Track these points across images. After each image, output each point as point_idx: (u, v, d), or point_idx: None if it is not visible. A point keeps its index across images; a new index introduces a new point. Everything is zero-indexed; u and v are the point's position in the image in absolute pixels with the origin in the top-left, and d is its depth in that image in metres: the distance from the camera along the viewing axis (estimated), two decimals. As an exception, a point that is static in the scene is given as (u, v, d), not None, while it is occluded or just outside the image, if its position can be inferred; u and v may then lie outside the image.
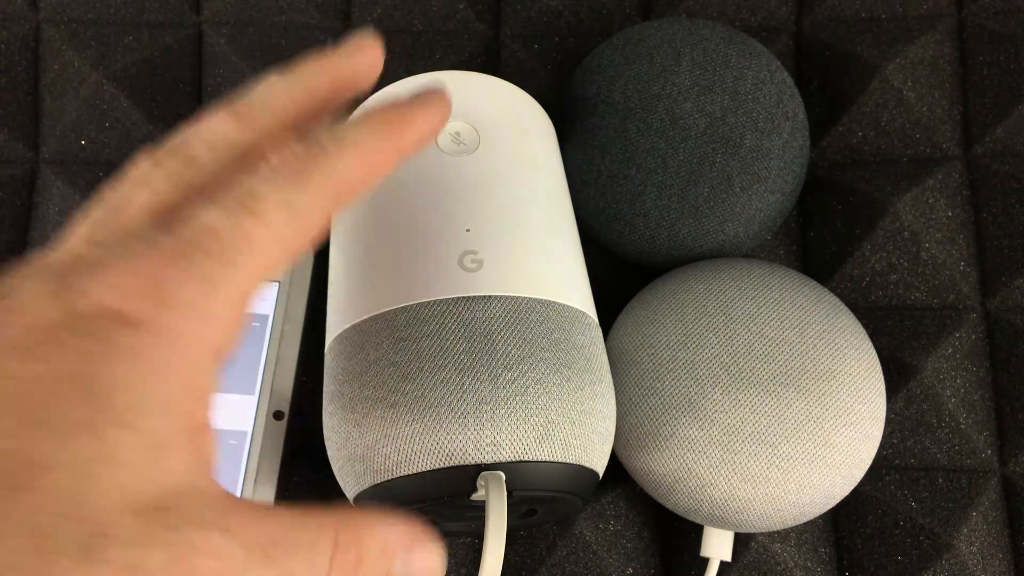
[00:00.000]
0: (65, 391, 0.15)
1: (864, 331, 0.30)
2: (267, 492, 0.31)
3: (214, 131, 0.19)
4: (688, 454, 0.28)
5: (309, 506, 0.17)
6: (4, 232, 0.37)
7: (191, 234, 0.17)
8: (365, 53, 0.21)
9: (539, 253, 0.27)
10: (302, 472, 0.33)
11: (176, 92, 0.38)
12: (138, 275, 0.16)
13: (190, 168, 0.18)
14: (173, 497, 0.15)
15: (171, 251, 0.16)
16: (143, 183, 0.18)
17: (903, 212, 0.35)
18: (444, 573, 0.19)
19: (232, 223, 0.17)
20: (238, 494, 0.31)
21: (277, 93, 0.20)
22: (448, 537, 0.33)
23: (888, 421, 0.34)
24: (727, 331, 0.29)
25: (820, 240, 0.36)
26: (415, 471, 0.24)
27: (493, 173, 0.28)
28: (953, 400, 0.34)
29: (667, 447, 0.29)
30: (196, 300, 0.16)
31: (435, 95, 0.21)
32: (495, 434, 0.23)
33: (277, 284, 0.34)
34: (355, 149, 0.19)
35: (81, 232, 0.17)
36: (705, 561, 0.31)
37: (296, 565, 0.16)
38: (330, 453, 0.27)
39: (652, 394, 0.29)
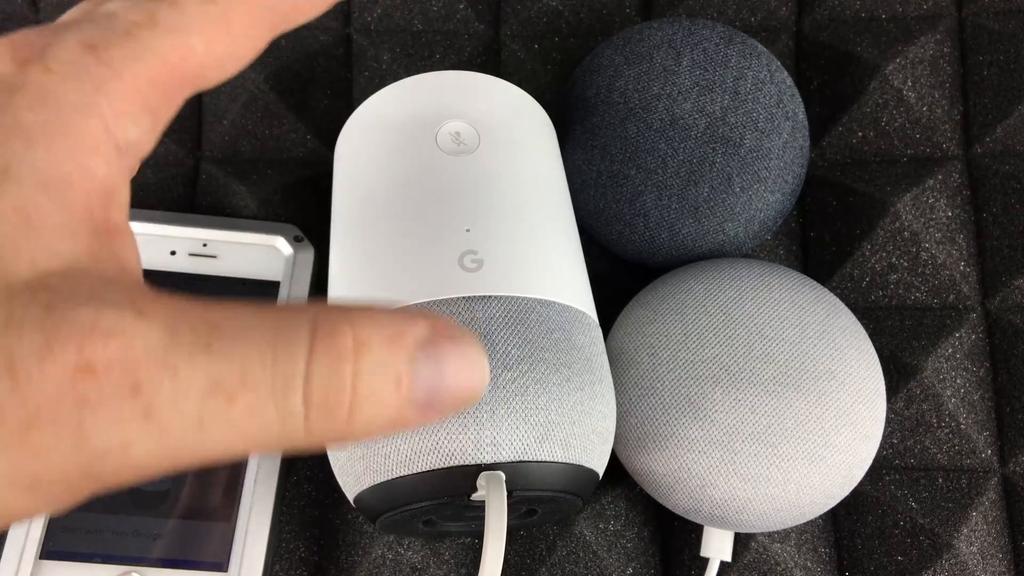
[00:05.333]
0: None
1: (864, 331, 0.30)
2: (267, 492, 0.31)
3: None
4: (688, 454, 0.28)
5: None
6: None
7: (84, 15, 0.15)
8: None
9: (539, 253, 0.27)
10: (302, 472, 0.33)
11: (176, 92, 0.38)
12: (9, 43, 0.14)
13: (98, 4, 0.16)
14: (56, 277, 0.12)
15: (57, 26, 0.14)
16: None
17: (903, 212, 0.35)
18: (484, 386, 0.14)
19: (133, 3, 0.15)
20: (239, 494, 0.31)
21: None
22: (448, 537, 0.33)
23: (888, 421, 0.34)
24: (727, 331, 0.29)
25: (820, 240, 0.36)
26: (415, 471, 0.24)
27: (493, 173, 0.28)
28: (953, 400, 0.34)
29: (667, 447, 0.29)
30: (77, 62, 0.14)
31: None
32: (495, 434, 0.23)
33: (277, 284, 0.34)
34: None
35: None
36: (705, 561, 0.31)
37: (251, 355, 0.12)
38: (330, 453, 0.27)
39: (652, 394, 0.29)
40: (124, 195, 0.15)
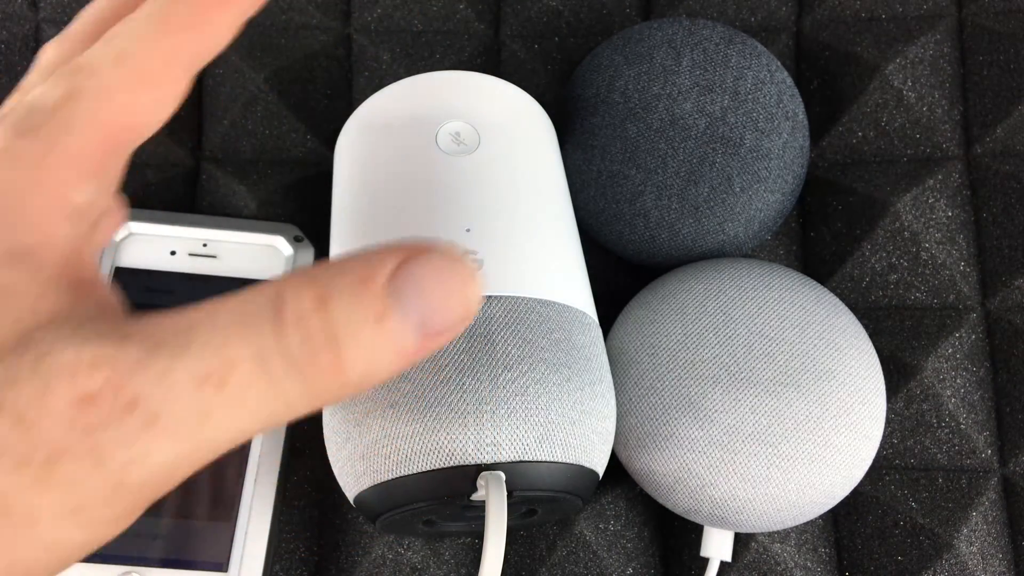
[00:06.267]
0: None
1: (864, 331, 0.30)
2: (267, 492, 0.31)
3: (40, 60, 0.19)
4: (688, 454, 0.28)
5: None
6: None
7: (11, 108, 0.16)
8: None
9: (539, 253, 0.27)
10: (302, 472, 0.33)
11: (176, 92, 0.38)
12: None
13: (22, 95, 0.18)
14: (40, 331, 0.13)
15: None
16: None
17: (903, 212, 0.35)
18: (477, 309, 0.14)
19: (54, 83, 0.16)
20: (239, 494, 0.31)
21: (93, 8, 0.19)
22: (448, 537, 0.33)
23: (888, 421, 0.34)
24: (727, 331, 0.29)
25: (820, 240, 0.36)
26: (415, 471, 0.24)
27: (493, 173, 0.28)
28: (953, 400, 0.34)
29: (667, 447, 0.29)
30: (12, 148, 0.15)
31: None
32: (495, 434, 0.23)
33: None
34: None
35: None
36: (705, 561, 0.31)
37: (227, 342, 0.13)
38: (330, 453, 0.27)
39: (652, 394, 0.29)
40: (89, 252, 0.16)
